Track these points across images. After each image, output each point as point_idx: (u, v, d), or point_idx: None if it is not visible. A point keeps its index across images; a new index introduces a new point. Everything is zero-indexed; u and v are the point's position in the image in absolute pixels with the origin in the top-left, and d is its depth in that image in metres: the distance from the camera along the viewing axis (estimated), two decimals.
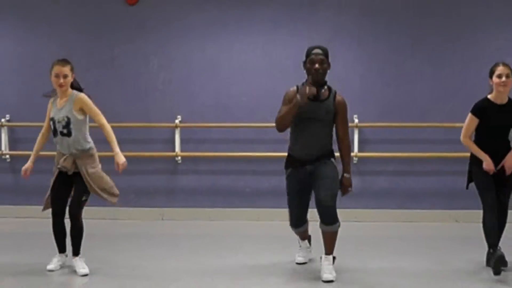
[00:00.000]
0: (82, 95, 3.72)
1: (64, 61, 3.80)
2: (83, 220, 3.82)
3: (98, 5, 6.00)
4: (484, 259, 3.93)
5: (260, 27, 5.92)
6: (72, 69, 3.83)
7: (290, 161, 3.70)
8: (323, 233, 3.61)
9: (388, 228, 5.61)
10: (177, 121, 5.58)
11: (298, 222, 3.84)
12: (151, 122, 5.83)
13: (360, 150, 5.47)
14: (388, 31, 5.82)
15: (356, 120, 5.38)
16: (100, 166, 3.92)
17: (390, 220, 5.75)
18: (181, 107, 5.91)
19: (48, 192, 3.87)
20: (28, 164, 3.94)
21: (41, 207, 4.06)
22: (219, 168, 5.86)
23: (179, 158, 5.60)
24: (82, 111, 3.70)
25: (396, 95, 5.87)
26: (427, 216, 5.75)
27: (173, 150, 5.67)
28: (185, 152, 5.75)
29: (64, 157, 3.74)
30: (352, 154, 5.03)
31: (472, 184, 4.13)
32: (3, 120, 5.72)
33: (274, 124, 3.63)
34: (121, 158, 3.68)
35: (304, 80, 3.60)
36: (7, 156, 5.61)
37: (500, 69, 3.89)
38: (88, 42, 5.93)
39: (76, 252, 3.83)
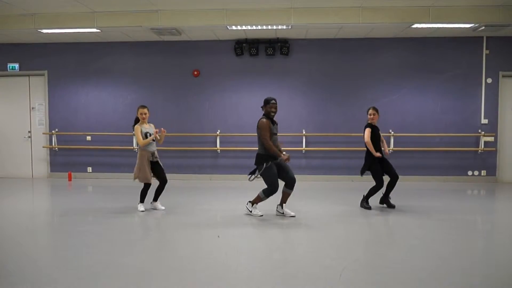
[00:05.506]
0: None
1: (145, 106, 5.53)
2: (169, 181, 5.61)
3: (180, 78, 9.08)
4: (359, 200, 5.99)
5: (257, 87, 8.74)
6: (148, 110, 5.49)
7: (268, 158, 4.99)
8: (286, 194, 5.19)
9: (317, 184, 8.51)
10: (217, 132, 8.96)
11: (277, 188, 5.05)
12: (205, 132, 9.04)
13: (306, 147, 8.92)
14: (319, 88, 8.91)
15: (304, 131, 8.82)
16: None
17: (320, 180, 8.85)
18: (219, 125, 9.02)
19: (138, 172, 5.43)
20: (154, 134, 5.42)
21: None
22: (237, 155, 8.91)
23: (219, 150, 9.03)
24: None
25: (323, 119, 8.91)
26: (337, 178, 8.88)
27: (216, 146, 8.99)
28: (221, 147, 8.99)
29: (152, 152, 5.46)
30: (301, 148, 8.50)
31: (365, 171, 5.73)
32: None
33: (256, 134, 5.19)
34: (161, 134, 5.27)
35: (262, 114, 5.16)
36: (136, 149, 9.08)
37: (370, 111, 5.76)
38: (173, 94, 9.10)
39: (156, 199, 5.74)
